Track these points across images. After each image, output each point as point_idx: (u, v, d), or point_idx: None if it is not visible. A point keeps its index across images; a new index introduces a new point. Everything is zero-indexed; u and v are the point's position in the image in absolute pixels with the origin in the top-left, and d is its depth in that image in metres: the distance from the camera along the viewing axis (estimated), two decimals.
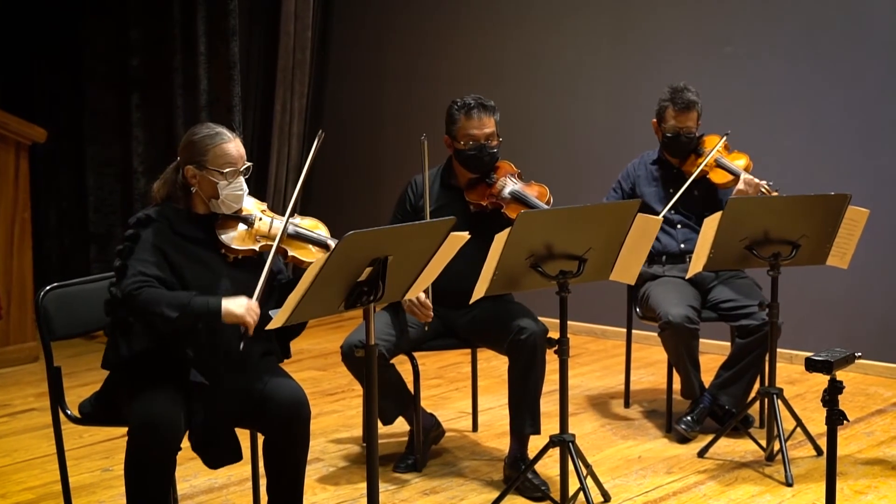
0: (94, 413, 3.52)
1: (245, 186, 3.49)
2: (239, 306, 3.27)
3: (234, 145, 3.48)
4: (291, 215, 3.49)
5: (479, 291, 3.71)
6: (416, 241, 3.27)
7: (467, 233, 3.38)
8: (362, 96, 7.89)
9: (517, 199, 4.29)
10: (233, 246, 3.44)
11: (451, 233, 3.29)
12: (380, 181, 7.76)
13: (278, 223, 3.50)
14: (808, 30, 5.99)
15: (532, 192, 4.32)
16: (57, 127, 7.01)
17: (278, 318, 3.05)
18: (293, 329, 3.53)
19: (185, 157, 3.48)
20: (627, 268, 4.00)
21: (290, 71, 7.55)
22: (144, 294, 3.26)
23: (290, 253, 3.48)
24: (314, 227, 3.58)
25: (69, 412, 3.56)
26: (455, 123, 4.34)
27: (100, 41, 7.30)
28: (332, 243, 3.49)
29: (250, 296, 3.32)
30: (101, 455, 4.63)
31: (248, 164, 3.50)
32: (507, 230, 3.56)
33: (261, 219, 3.51)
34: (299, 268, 3.51)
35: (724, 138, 4.91)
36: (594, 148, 6.71)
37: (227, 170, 3.44)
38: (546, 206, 4.22)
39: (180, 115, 7.07)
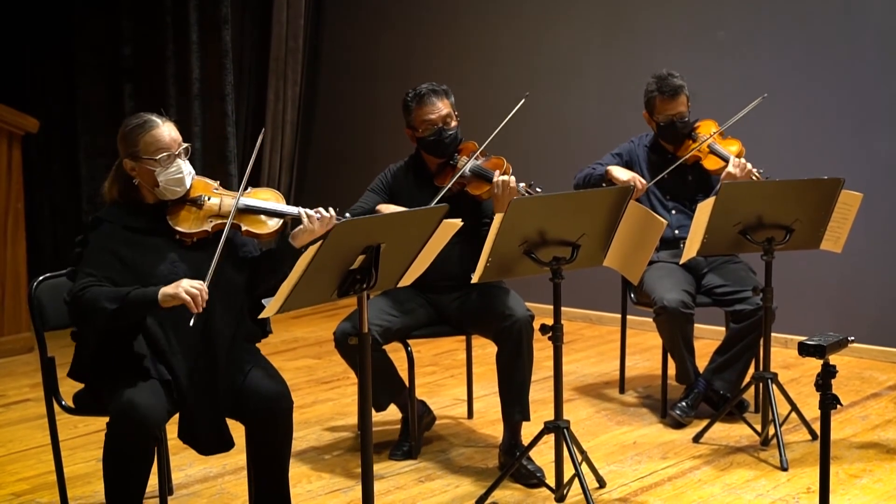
0: (88, 403, 3.52)
1: (185, 168, 3.46)
2: (173, 286, 3.23)
3: (163, 129, 3.46)
4: (243, 191, 3.48)
5: (476, 276, 3.71)
6: (409, 228, 3.27)
7: (460, 220, 3.38)
8: (355, 85, 7.87)
9: (475, 174, 4.32)
10: (184, 230, 3.44)
11: (444, 220, 3.29)
12: (373, 170, 7.67)
13: (229, 200, 3.50)
14: (801, 14, 5.97)
15: (489, 165, 4.36)
16: (50, 117, 7.00)
17: (271, 306, 3.04)
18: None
19: (122, 151, 3.49)
20: (631, 265, 3.99)
21: (283, 59, 7.53)
22: (88, 293, 3.27)
23: (244, 227, 3.48)
24: (270, 198, 3.57)
25: (63, 402, 3.56)
26: (411, 114, 4.40)
27: (92, 31, 7.28)
28: (285, 210, 3.49)
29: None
30: (96, 445, 4.60)
31: (185, 145, 3.49)
32: (500, 216, 3.55)
33: (209, 199, 3.51)
34: (265, 241, 3.51)
35: (719, 129, 4.91)
36: (587, 140, 6.68)
37: (160, 156, 3.42)
38: (504, 177, 4.21)
39: (173, 104, 7.06)
